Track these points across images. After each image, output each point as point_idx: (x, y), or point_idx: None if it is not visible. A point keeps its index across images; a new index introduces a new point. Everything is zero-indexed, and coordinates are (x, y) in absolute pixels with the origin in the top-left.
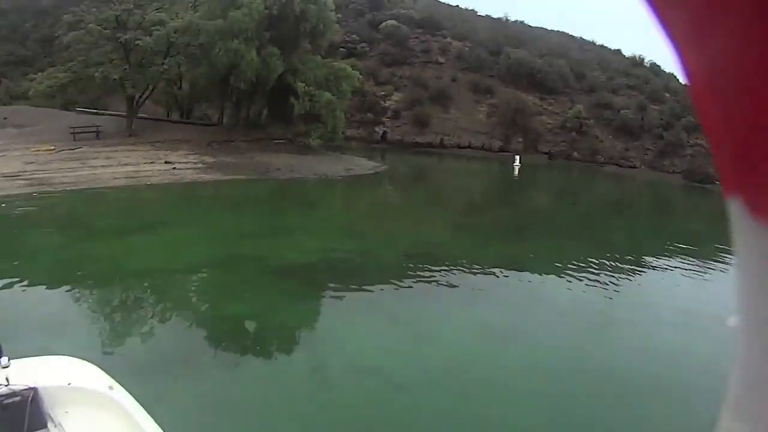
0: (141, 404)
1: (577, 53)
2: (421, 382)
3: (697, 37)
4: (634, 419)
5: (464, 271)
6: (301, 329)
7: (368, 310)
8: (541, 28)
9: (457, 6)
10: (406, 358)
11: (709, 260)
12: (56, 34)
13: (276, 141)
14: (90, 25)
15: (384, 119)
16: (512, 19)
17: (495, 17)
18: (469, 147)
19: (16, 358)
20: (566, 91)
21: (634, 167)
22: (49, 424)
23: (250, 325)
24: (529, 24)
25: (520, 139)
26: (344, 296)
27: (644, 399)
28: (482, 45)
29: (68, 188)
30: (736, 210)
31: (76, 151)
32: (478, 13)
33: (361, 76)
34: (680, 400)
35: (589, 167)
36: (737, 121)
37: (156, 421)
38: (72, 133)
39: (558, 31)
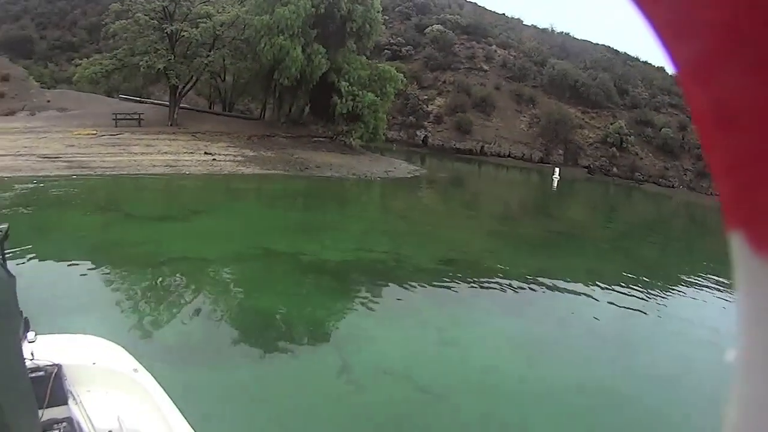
0: (164, 389)
1: (621, 68)
2: (448, 388)
3: (703, 72)
4: None
5: (497, 280)
6: (331, 327)
7: (400, 313)
8: (586, 40)
9: (504, 14)
10: (435, 363)
11: None
12: (103, 22)
13: (316, 139)
14: (137, 14)
15: (426, 123)
16: (558, 30)
17: (541, 27)
18: (509, 156)
19: (43, 334)
20: (609, 105)
21: (672, 187)
22: (70, 401)
23: (281, 320)
24: (575, 36)
25: (561, 152)
26: (377, 297)
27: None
28: (527, 54)
29: (107, 173)
30: (737, 244)
31: (117, 136)
32: (524, 22)
33: (405, 79)
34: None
35: (627, 184)
36: (740, 156)
37: (178, 407)
38: (114, 119)
39: (603, 44)
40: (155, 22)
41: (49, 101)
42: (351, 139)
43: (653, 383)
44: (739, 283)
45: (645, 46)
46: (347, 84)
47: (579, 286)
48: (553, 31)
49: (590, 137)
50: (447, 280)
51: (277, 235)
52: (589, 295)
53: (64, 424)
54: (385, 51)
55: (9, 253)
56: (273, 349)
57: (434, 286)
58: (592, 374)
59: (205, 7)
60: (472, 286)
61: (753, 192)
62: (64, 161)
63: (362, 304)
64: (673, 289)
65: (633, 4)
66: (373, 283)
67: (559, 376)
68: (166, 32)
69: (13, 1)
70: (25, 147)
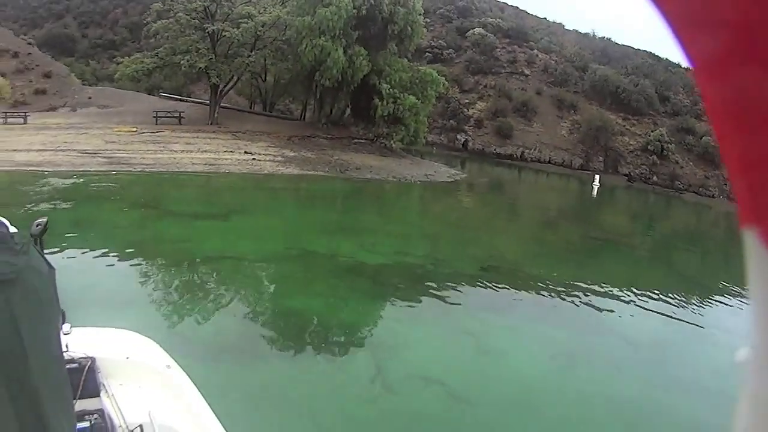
0: (197, 387)
1: (662, 74)
2: (483, 396)
3: (718, 69)
4: None
5: (536, 288)
6: (366, 330)
7: (436, 319)
8: (628, 46)
9: (545, 18)
10: (471, 371)
11: None
12: (145, 21)
13: (357, 140)
14: (179, 14)
15: (466, 127)
16: (599, 35)
17: (582, 32)
18: (549, 162)
19: (78, 326)
20: (650, 112)
21: (713, 196)
22: (102, 394)
23: (316, 321)
24: (616, 41)
25: (601, 159)
26: (414, 302)
27: None
28: (568, 59)
29: (147, 169)
30: (751, 241)
31: (157, 134)
32: (566, 27)
33: (446, 83)
34: None
35: (667, 193)
36: (755, 152)
37: (210, 405)
38: (155, 117)
39: (644, 50)
40: (196, 21)
41: (90, 98)
42: (391, 142)
43: (694, 396)
44: (753, 280)
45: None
46: (388, 86)
47: (618, 295)
48: (594, 36)
49: (631, 144)
50: (485, 286)
51: (315, 235)
52: (628, 304)
53: (96, 416)
54: (427, 54)
55: (48, 247)
56: (308, 350)
57: (472, 291)
58: (630, 386)
59: (246, 7)
60: (510, 293)
61: (767, 189)
62: (104, 157)
63: (399, 308)
64: (714, 300)
65: None
66: (410, 287)
67: (596, 388)
68: (207, 32)
69: (56, 0)
70: (66, 142)
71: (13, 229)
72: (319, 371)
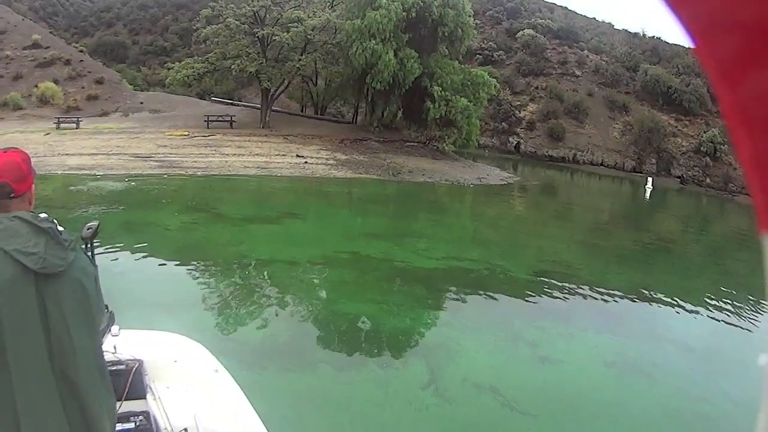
0: (244, 392)
1: None
2: (538, 406)
3: (732, 72)
4: None
5: (590, 294)
6: (420, 336)
7: (491, 325)
8: (678, 44)
9: (594, 18)
10: (525, 379)
11: None
12: (194, 27)
13: (409, 143)
14: (228, 19)
15: (518, 130)
16: (649, 34)
17: (632, 31)
18: (601, 164)
19: (127, 329)
20: (702, 113)
21: None
22: (149, 396)
23: (369, 327)
24: (666, 40)
25: (653, 161)
26: (467, 307)
27: None
28: (619, 60)
29: (199, 173)
30: None
31: (209, 138)
32: (615, 26)
33: (497, 84)
34: None
35: (720, 195)
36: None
37: (257, 411)
38: (206, 121)
39: None
40: (246, 26)
41: (141, 103)
42: (444, 145)
43: (755, 409)
44: None
45: None
46: (440, 89)
47: (671, 301)
48: (644, 35)
49: (683, 146)
50: (539, 291)
51: (367, 239)
52: (684, 312)
53: (141, 417)
54: (477, 56)
55: (99, 249)
56: (359, 355)
57: (526, 297)
58: (688, 397)
59: (295, 11)
60: (565, 299)
61: None
62: (156, 161)
63: (452, 313)
64: None
65: (664, 2)
66: (464, 292)
67: (653, 399)
68: (257, 36)
69: (106, 9)
70: (118, 146)
71: (60, 229)
72: (372, 378)
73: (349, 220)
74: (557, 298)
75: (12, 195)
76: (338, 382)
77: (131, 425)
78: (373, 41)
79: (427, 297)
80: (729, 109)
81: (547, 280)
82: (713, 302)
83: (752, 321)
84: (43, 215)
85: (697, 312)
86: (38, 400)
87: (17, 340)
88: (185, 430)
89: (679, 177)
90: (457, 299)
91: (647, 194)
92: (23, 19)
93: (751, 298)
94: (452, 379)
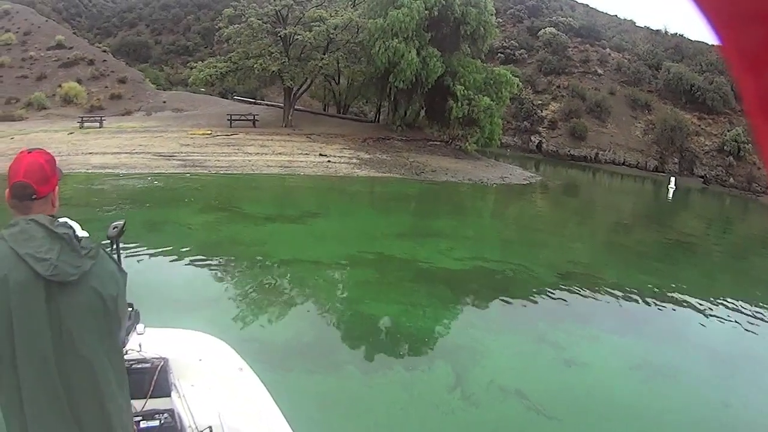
0: (269, 391)
1: None
2: (563, 409)
3: (754, 63)
4: None
5: (614, 296)
6: (444, 338)
7: (515, 327)
8: (701, 41)
9: (616, 15)
10: (551, 382)
11: None
12: (217, 27)
13: (432, 142)
14: (250, 18)
15: (540, 129)
16: (671, 31)
17: (654, 28)
18: (623, 164)
19: (152, 327)
20: (725, 111)
21: None
22: (173, 394)
23: (393, 328)
24: (689, 37)
25: (676, 160)
26: (492, 309)
27: None
28: (641, 57)
29: (221, 171)
30: None
31: (232, 137)
32: (637, 24)
33: (520, 83)
34: None
35: (744, 195)
36: None
37: (282, 410)
38: (229, 120)
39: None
40: (268, 26)
41: (164, 102)
42: (467, 144)
43: None
44: None
45: None
46: (462, 88)
47: (695, 302)
48: (666, 32)
49: (706, 145)
50: (563, 293)
51: (391, 239)
52: (705, 312)
53: (166, 415)
54: (499, 54)
55: (124, 248)
56: (384, 357)
57: (550, 298)
58: (713, 403)
59: (317, 11)
60: (589, 301)
61: None
62: (179, 159)
63: (477, 315)
64: None
65: None
66: (488, 293)
67: (678, 405)
68: (280, 36)
69: (129, 9)
70: (141, 145)
71: (83, 233)
72: (397, 380)
73: (372, 220)
74: (581, 299)
75: (34, 197)
76: (363, 384)
77: (156, 423)
78: (396, 40)
79: (451, 298)
80: (752, 103)
81: (570, 280)
82: (738, 304)
83: None
84: (62, 220)
85: (721, 314)
86: (44, 403)
87: (25, 343)
88: (210, 428)
89: (702, 177)
90: (481, 300)
91: (670, 194)
92: (47, 20)
93: None
94: (478, 382)
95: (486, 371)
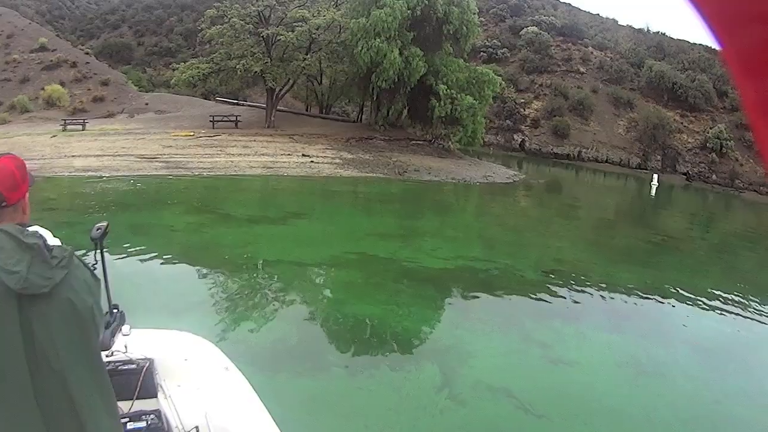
0: (255, 389)
1: (720, 69)
2: (552, 408)
3: (753, 65)
4: None
5: (600, 294)
6: (431, 338)
7: (502, 326)
8: (683, 40)
9: (598, 14)
10: (538, 380)
11: None
12: (199, 28)
13: (414, 142)
14: (233, 19)
15: (523, 127)
16: (653, 29)
17: (636, 27)
18: (606, 161)
19: (138, 328)
20: (708, 108)
21: None
22: (160, 395)
23: (379, 329)
24: (671, 36)
25: (659, 157)
26: (478, 308)
27: None
28: (623, 56)
29: (204, 173)
30: None
31: (214, 138)
32: (619, 22)
33: (503, 82)
34: None
35: (727, 192)
36: None
37: (268, 408)
38: (211, 121)
39: (700, 44)
40: (251, 26)
41: (147, 104)
42: (449, 143)
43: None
44: None
45: None
46: (445, 87)
47: (681, 298)
48: (648, 30)
49: (689, 142)
50: (548, 291)
51: (375, 239)
52: (691, 308)
53: (152, 416)
54: (481, 53)
55: (107, 250)
56: (371, 358)
57: (536, 297)
58: (701, 398)
59: (300, 11)
60: (575, 299)
61: None
62: (162, 161)
63: (463, 314)
64: None
65: (688, 1)
66: (473, 292)
67: (666, 401)
68: (262, 36)
69: (112, 11)
70: (124, 148)
71: (55, 241)
72: (385, 381)
73: (356, 220)
74: (567, 297)
75: (4, 204)
76: (352, 386)
77: (143, 424)
78: (378, 40)
79: (437, 298)
80: (753, 105)
81: (556, 278)
82: (723, 300)
83: (762, 319)
84: (32, 229)
85: (706, 310)
86: (20, 420)
87: None
88: (196, 428)
89: (684, 173)
90: (467, 299)
91: (653, 191)
92: (30, 23)
93: (761, 295)
94: (465, 382)
95: (473, 371)
